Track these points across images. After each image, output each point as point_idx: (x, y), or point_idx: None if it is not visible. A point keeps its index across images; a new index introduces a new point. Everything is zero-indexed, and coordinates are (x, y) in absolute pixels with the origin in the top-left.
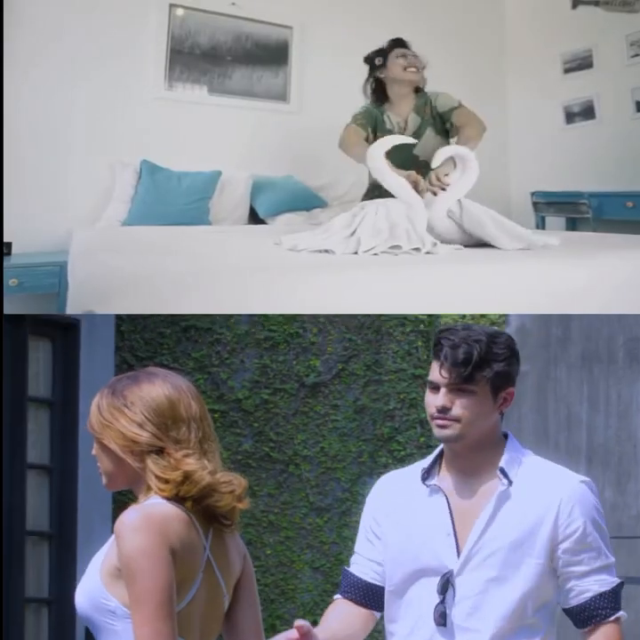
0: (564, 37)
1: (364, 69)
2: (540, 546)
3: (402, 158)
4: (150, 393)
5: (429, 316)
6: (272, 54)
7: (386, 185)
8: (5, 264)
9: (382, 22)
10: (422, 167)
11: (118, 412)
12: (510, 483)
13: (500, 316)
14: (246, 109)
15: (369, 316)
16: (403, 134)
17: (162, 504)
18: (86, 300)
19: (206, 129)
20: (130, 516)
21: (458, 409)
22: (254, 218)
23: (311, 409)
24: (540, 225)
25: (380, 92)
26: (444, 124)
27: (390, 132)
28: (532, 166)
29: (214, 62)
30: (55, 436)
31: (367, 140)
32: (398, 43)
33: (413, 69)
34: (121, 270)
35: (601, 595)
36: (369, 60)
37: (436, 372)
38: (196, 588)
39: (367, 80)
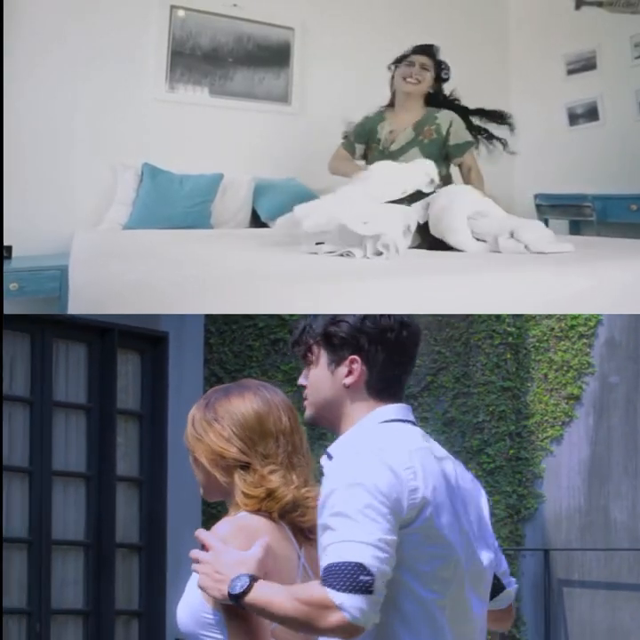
0: (567, 38)
1: (365, 70)
2: None
3: None
4: (239, 407)
5: (518, 328)
6: (273, 56)
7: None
8: (5, 268)
9: (383, 23)
10: None
11: (208, 426)
12: (330, 459)
13: (589, 328)
14: (248, 111)
15: (457, 328)
16: (388, 148)
17: (252, 517)
18: (87, 303)
19: (208, 131)
20: (223, 528)
21: (305, 382)
22: (256, 221)
23: None
24: None
25: (393, 96)
26: (441, 151)
27: (378, 144)
28: (535, 168)
29: (215, 64)
30: (145, 449)
31: (356, 155)
32: (419, 50)
33: (413, 81)
34: (122, 273)
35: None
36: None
37: None
38: None
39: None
